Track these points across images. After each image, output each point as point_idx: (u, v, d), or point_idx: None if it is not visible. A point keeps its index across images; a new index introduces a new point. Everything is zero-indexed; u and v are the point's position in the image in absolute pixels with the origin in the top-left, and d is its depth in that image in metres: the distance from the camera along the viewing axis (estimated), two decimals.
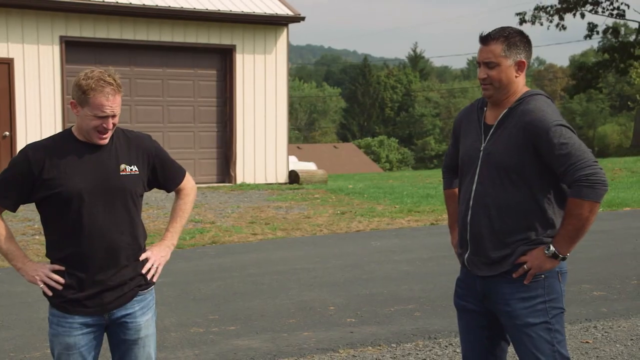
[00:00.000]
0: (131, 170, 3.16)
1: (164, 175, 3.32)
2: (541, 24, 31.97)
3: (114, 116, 3.07)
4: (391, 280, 7.22)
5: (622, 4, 31.66)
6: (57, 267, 3.09)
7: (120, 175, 3.13)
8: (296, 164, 16.30)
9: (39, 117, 13.45)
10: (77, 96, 3.05)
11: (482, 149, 3.15)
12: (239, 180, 15.07)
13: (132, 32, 14.13)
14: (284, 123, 15.50)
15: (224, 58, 15.06)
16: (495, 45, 3.10)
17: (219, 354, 5.15)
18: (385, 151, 62.38)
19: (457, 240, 3.34)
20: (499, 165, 3.08)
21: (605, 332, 5.60)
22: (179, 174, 3.39)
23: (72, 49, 13.72)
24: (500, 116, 3.13)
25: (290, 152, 21.46)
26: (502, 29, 3.14)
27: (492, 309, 3.20)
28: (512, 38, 3.10)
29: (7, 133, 13.33)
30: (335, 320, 5.91)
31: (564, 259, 3.08)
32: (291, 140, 62.34)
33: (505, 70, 3.09)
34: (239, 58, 14.99)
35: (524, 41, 3.14)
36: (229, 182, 15.08)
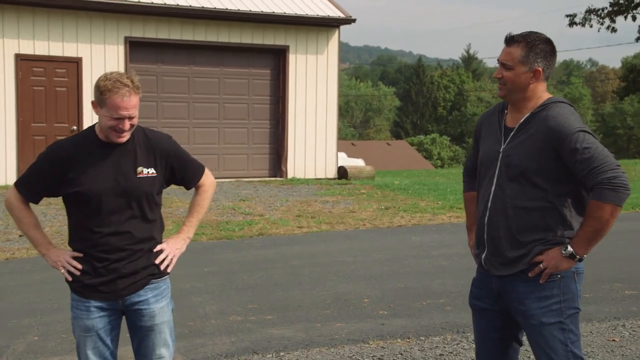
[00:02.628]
0: (148, 172, 3.30)
1: (183, 174, 3.45)
2: (591, 26, 31.67)
3: (130, 118, 3.18)
4: (426, 275, 7.51)
5: None
6: (76, 254, 3.29)
7: (137, 178, 3.27)
8: (345, 160, 16.81)
9: None
10: (96, 96, 3.18)
11: (501, 150, 3.17)
12: (289, 175, 15.70)
13: (192, 33, 14.87)
14: (333, 120, 16.08)
15: (277, 58, 15.70)
16: (515, 49, 3.11)
17: (254, 342, 5.43)
18: (437, 149, 62.40)
19: (474, 241, 3.37)
20: (518, 168, 3.09)
21: (634, 330, 5.68)
22: (198, 172, 3.51)
23: (136, 48, 14.53)
24: (522, 120, 3.14)
25: (344, 149, 22.04)
26: (529, 33, 3.14)
27: (508, 308, 3.22)
28: (534, 45, 3.10)
29: (75, 128, 14.20)
30: (368, 313, 6.16)
31: (580, 260, 3.08)
32: (346, 137, 63.00)
33: (519, 75, 3.11)
34: (292, 58, 15.60)
35: (547, 50, 3.13)
36: (280, 177, 15.72)
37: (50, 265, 3.35)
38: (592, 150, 2.98)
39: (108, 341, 3.36)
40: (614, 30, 31.44)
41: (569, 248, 3.04)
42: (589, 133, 3.02)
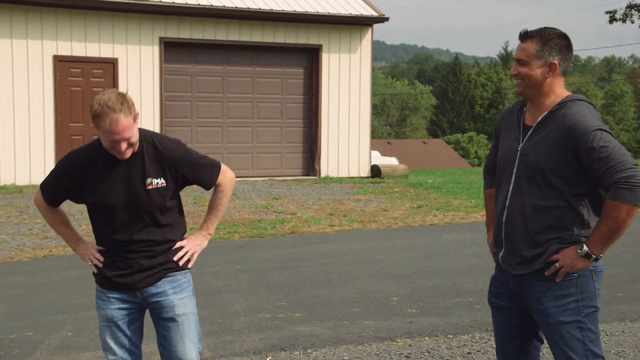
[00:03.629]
0: (158, 183, 3.35)
1: (196, 177, 3.46)
2: (632, 22, 31.17)
3: (125, 139, 3.19)
4: (457, 273, 7.48)
5: None
6: (100, 247, 3.46)
7: (147, 190, 3.33)
8: (378, 159, 16.82)
9: (139, 112, 14.45)
10: (92, 118, 3.20)
11: (519, 149, 3.15)
12: (323, 174, 15.74)
13: (225, 33, 14.99)
14: (367, 119, 16.08)
15: (310, 57, 15.75)
16: (530, 44, 3.10)
17: (282, 339, 5.45)
18: (475, 147, 61.99)
19: (492, 239, 3.35)
20: (536, 166, 3.07)
21: None
22: (213, 173, 3.50)
23: (171, 49, 14.72)
24: (540, 118, 3.12)
25: (380, 147, 22.02)
26: (543, 28, 3.12)
27: (525, 307, 3.22)
28: (548, 39, 3.09)
29: None
30: (397, 311, 6.16)
31: (596, 259, 3.05)
32: (382, 135, 62.94)
33: (534, 70, 3.09)
34: (325, 57, 15.65)
35: (562, 44, 3.11)
36: (313, 175, 15.78)
37: (81, 259, 3.51)
38: (609, 149, 2.95)
39: (128, 332, 3.45)
40: None
41: (585, 247, 3.02)
42: (606, 132, 2.99)
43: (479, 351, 5.20)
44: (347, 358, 5.11)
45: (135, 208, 3.34)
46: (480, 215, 11.16)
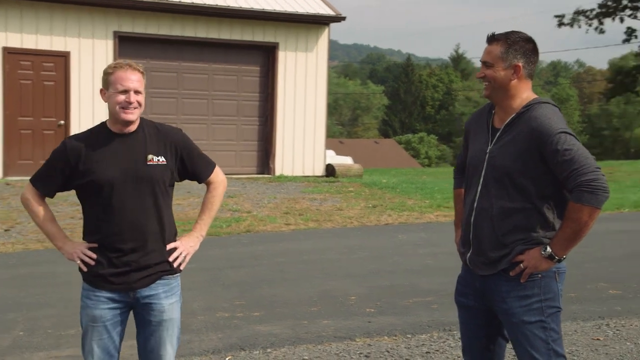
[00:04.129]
0: (158, 160, 3.34)
1: (193, 167, 3.47)
2: (580, 27, 31.91)
3: (136, 92, 3.27)
4: (413, 273, 7.53)
5: None
6: (91, 244, 3.33)
7: (147, 165, 3.32)
8: (333, 158, 16.83)
9: (91, 108, 14.21)
10: (104, 80, 3.32)
11: (487, 151, 3.19)
12: (277, 172, 15.70)
13: (181, 29, 14.83)
14: (322, 118, 16.09)
15: (267, 55, 15.68)
16: (495, 47, 3.15)
17: (241, 339, 5.42)
18: (425, 147, 62.77)
19: (460, 239, 3.40)
20: (503, 169, 3.11)
21: (617, 330, 5.70)
22: (208, 167, 3.54)
23: (125, 43, 14.47)
24: (508, 121, 3.15)
25: (332, 147, 22.03)
26: (510, 32, 3.17)
27: (491, 307, 3.26)
28: (514, 42, 3.13)
29: (62, 122, 14.15)
30: (355, 310, 6.17)
31: (559, 260, 3.10)
32: (334, 134, 63.08)
33: (499, 72, 3.13)
34: (281, 55, 15.60)
35: (527, 48, 3.15)
36: (268, 174, 15.72)
37: (66, 257, 3.39)
38: (573, 152, 2.98)
39: (114, 334, 3.37)
40: (602, 31, 31.64)
41: (548, 249, 3.06)
42: (570, 134, 3.03)
43: (437, 350, 5.24)
44: (307, 358, 5.10)
45: (135, 182, 3.30)
46: (435, 216, 11.28)
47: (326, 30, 16.01)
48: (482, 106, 3.41)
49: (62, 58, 14.04)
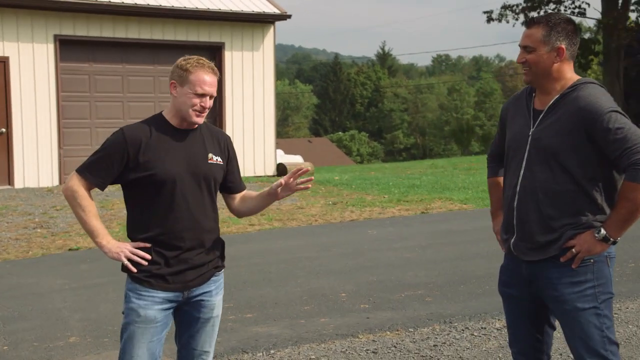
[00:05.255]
0: (217, 160, 3.30)
1: (233, 171, 3.42)
2: (507, 22, 32.80)
3: (211, 97, 3.19)
4: (395, 267, 7.50)
5: (583, 2, 32.65)
6: (142, 244, 3.18)
7: (209, 163, 3.26)
8: (283, 157, 16.80)
9: (34, 114, 13.72)
10: (178, 75, 3.17)
11: (530, 133, 3.12)
12: None
13: (124, 31, 14.46)
14: (271, 117, 15.98)
15: (213, 55, 15.43)
16: (536, 30, 3.09)
17: (240, 341, 5.30)
18: (356, 145, 63.36)
19: (499, 227, 3.32)
20: (548, 150, 3.05)
21: (615, 314, 5.58)
22: (242, 181, 3.50)
23: (67, 47, 14.01)
24: (552, 102, 3.10)
25: None
26: (549, 14, 3.12)
27: (539, 294, 3.17)
28: (555, 24, 3.08)
29: (4, 130, 13.59)
30: (349, 307, 6.11)
31: (614, 242, 3.02)
32: None
33: (542, 55, 3.08)
34: (227, 55, 15.40)
35: (568, 29, 3.10)
36: None
37: (110, 256, 3.19)
38: (625, 130, 2.93)
39: (162, 337, 3.25)
40: None
41: (602, 231, 2.98)
42: (620, 113, 2.98)
43: (444, 343, 5.21)
44: (313, 357, 5.02)
45: (196, 179, 3.22)
46: (397, 210, 11.33)
47: (271, 29, 15.91)
48: (519, 91, 3.35)
49: (1, 64, 13.49)
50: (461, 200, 12.04)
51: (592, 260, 3.06)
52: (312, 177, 3.41)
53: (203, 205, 3.25)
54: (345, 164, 40.37)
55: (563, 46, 3.09)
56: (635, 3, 31.61)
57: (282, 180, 3.32)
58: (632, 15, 31.70)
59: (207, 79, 3.15)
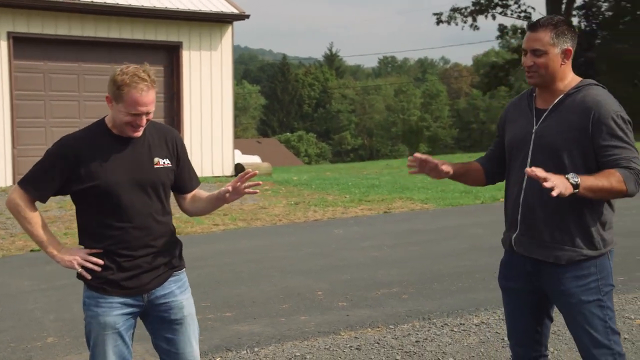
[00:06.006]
0: (164, 163, 3.22)
1: (186, 169, 3.35)
2: (456, 24, 33.49)
3: (147, 113, 3.09)
4: (366, 266, 7.58)
5: (528, 7, 33.54)
6: (94, 250, 3.14)
7: (155, 168, 3.19)
8: (241, 157, 16.75)
9: None
10: (112, 91, 3.07)
11: (534, 131, 3.16)
12: None
13: (80, 29, 14.23)
14: (229, 117, 15.93)
15: (170, 54, 15.33)
16: (544, 33, 3.10)
17: (223, 339, 5.30)
18: (304, 146, 63.47)
19: (438, 162, 3.28)
20: (552, 147, 3.09)
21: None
22: (196, 178, 3.43)
23: (21, 44, 13.73)
24: (556, 101, 3.14)
25: None
26: (551, 17, 3.12)
27: (543, 288, 3.23)
28: (560, 26, 3.11)
29: None
30: (328, 305, 6.15)
31: (574, 193, 2.91)
32: None
33: (552, 58, 3.11)
34: (185, 54, 15.30)
35: (571, 30, 3.14)
36: None
37: (64, 265, 3.16)
38: (624, 142, 3.03)
39: (127, 339, 3.22)
40: (476, 28, 33.27)
41: (578, 179, 2.92)
42: (627, 121, 3.07)
43: (426, 339, 5.28)
44: (298, 354, 5.05)
45: (142, 187, 3.15)
46: (360, 210, 11.44)
47: (229, 29, 15.85)
48: (520, 93, 3.41)
49: None
50: (422, 200, 12.22)
51: (596, 256, 3.15)
52: (260, 182, 3.33)
53: (152, 211, 3.19)
54: (294, 165, 40.42)
55: (570, 48, 3.15)
56: (577, 8, 32.54)
57: (229, 186, 3.27)
58: (575, 20, 32.64)
59: (141, 99, 3.03)
